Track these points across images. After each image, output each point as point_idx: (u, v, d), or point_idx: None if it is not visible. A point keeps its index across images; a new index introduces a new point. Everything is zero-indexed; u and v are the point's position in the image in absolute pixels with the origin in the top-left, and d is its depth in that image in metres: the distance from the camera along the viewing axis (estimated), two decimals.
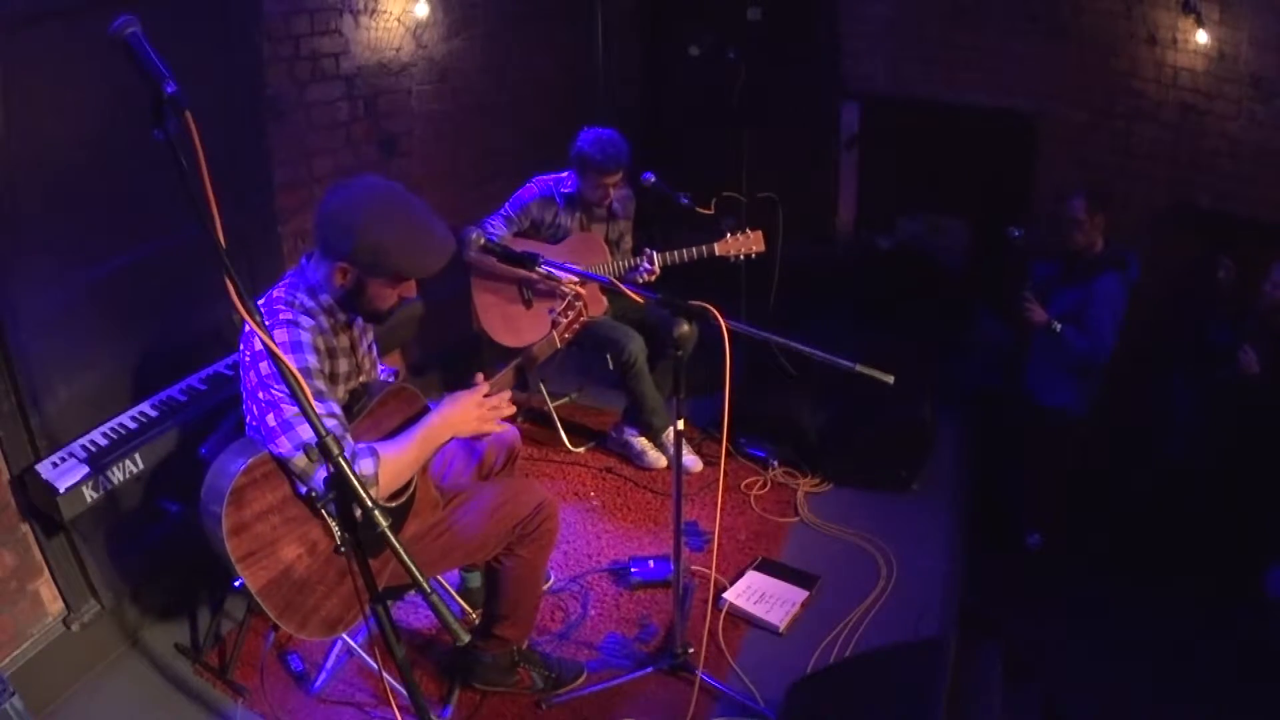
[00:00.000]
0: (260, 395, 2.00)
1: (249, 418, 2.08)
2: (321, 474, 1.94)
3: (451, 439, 2.17)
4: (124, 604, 2.74)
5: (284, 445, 1.96)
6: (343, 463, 1.42)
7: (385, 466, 2.01)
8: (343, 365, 2.21)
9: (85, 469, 2.40)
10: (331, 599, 2.09)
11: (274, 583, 1.99)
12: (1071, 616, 3.30)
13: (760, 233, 3.64)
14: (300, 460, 1.97)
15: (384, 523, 1.41)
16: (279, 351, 1.41)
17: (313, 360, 2.04)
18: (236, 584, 1.98)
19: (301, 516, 2.05)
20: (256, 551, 1.96)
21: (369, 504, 1.41)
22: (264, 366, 2.00)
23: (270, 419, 1.98)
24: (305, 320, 2.07)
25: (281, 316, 2.05)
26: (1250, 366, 3.25)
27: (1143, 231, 4.22)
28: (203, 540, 2.02)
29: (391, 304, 2.17)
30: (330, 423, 1.97)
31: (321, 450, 1.42)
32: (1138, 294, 3.61)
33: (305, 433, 1.93)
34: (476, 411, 2.17)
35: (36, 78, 2.37)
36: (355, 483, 1.42)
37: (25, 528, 2.47)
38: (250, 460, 1.97)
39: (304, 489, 2.02)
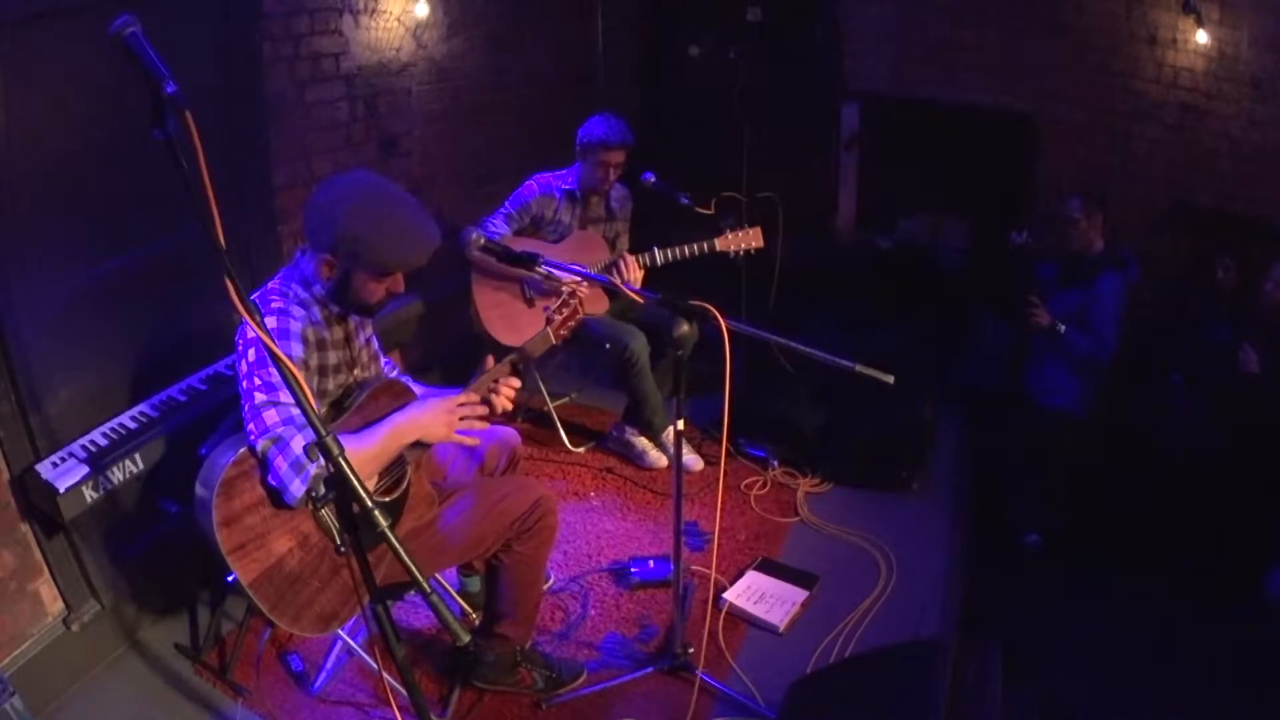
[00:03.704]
0: (244, 385, 2.02)
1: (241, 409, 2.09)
2: (278, 461, 1.93)
3: (419, 441, 2.14)
4: (124, 604, 2.74)
5: (252, 433, 1.97)
6: (343, 462, 1.42)
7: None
8: (332, 358, 2.21)
9: (85, 469, 2.39)
10: (325, 593, 2.09)
11: (265, 576, 1.98)
12: (1071, 616, 3.30)
13: (759, 229, 3.65)
14: (263, 443, 1.95)
15: (384, 523, 1.41)
16: (279, 352, 1.42)
17: (297, 350, 2.06)
18: (230, 579, 1.97)
19: (290, 509, 2.04)
20: (247, 544, 1.96)
21: (369, 504, 1.41)
22: (251, 354, 2.02)
23: (246, 407, 1.99)
24: (296, 310, 2.09)
25: (273, 305, 2.07)
26: (1250, 366, 3.25)
27: (1143, 231, 4.22)
28: (199, 537, 2.02)
29: (379, 298, 2.16)
30: (285, 411, 1.95)
31: (321, 450, 1.42)
32: (1138, 294, 3.62)
33: (269, 419, 1.95)
34: (446, 417, 2.14)
35: (36, 78, 2.37)
36: (355, 481, 1.42)
37: (25, 528, 2.47)
38: (240, 452, 1.97)
39: (271, 480, 1.98)
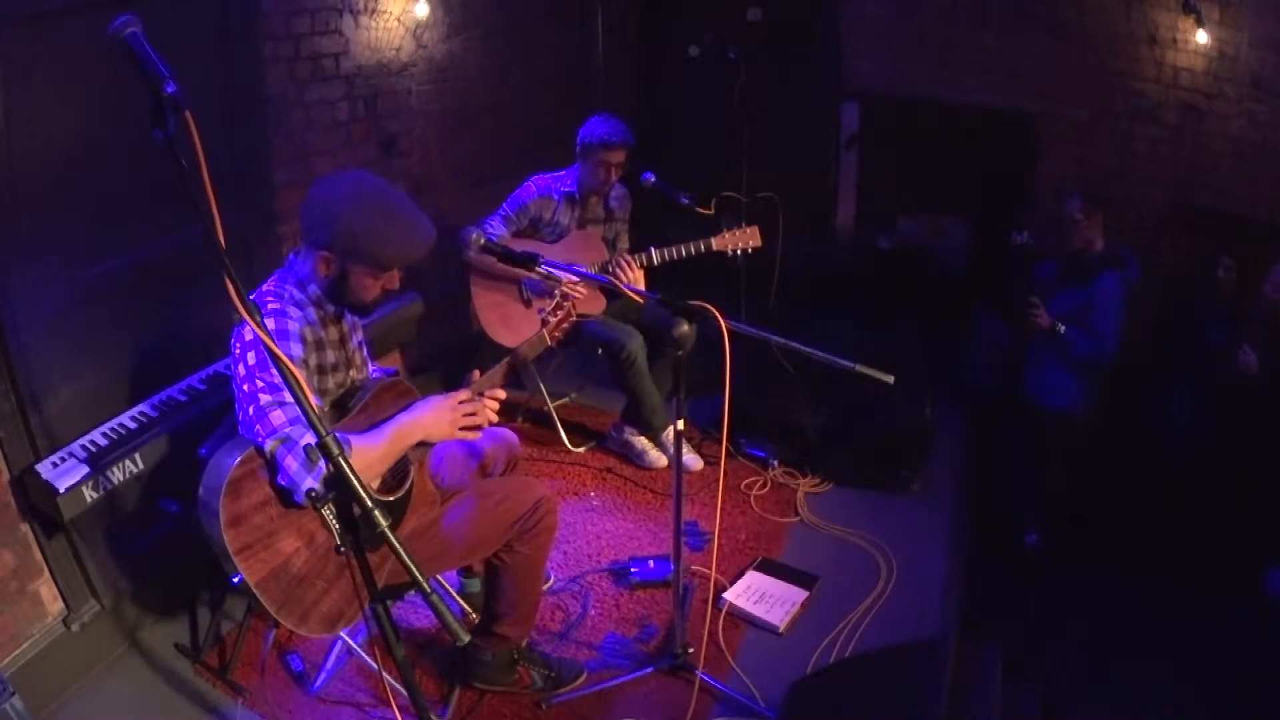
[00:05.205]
0: (245, 387, 2.01)
1: (239, 411, 2.08)
2: (288, 461, 1.94)
3: (423, 441, 2.16)
4: (124, 604, 2.74)
5: (259, 435, 1.97)
6: (343, 462, 1.42)
7: (354, 456, 2.00)
8: (330, 357, 2.22)
9: (85, 469, 2.40)
10: (331, 594, 2.09)
11: (272, 576, 1.99)
12: (1071, 616, 3.30)
13: (757, 228, 3.64)
14: (271, 444, 1.95)
15: (384, 522, 1.40)
16: (278, 351, 1.41)
17: (296, 350, 2.07)
18: (235, 580, 1.97)
19: (298, 509, 2.05)
20: (254, 544, 1.96)
21: (369, 503, 1.41)
22: (251, 356, 2.02)
23: (250, 409, 1.99)
24: (293, 311, 2.11)
25: (270, 306, 2.08)
26: (1250, 367, 3.26)
27: (1143, 231, 4.22)
28: (201, 538, 2.01)
29: (375, 295, 2.17)
30: (292, 411, 1.96)
31: (322, 450, 1.42)
32: (1138, 294, 3.62)
33: (276, 419, 1.95)
34: (449, 416, 2.16)
35: (37, 77, 2.38)
36: (355, 481, 1.42)
37: (25, 528, 2.47)
38: (246, 452, 1.98)
39: (280, 480, 1.98)
